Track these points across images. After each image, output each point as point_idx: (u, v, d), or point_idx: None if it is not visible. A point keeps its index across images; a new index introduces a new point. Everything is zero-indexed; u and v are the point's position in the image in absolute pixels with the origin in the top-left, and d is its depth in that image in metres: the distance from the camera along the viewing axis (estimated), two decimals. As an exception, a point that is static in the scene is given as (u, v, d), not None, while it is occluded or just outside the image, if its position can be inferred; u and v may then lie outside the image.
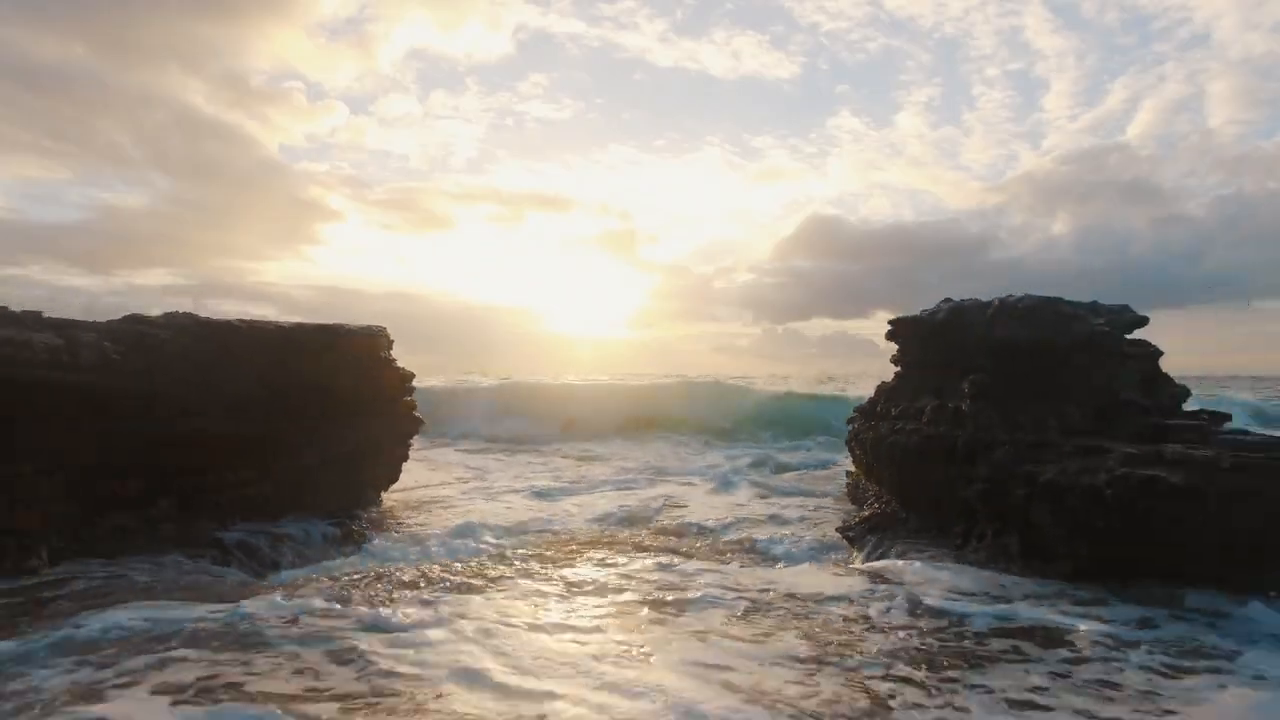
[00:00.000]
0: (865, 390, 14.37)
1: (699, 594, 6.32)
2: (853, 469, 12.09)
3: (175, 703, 3.80)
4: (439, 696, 4.08)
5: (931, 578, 6.73)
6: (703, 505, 12.29)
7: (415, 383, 11.71)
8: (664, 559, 7.83)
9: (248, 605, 5.78)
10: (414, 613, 5.65)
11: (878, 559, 7.96)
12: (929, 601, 6.06)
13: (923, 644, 5.23)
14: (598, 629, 5.38)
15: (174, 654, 4.54)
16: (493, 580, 6.83)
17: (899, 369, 10.69)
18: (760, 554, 8.42)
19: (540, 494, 12.46)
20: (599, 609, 5.90)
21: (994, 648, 5.19)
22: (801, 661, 4.84)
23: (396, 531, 9.97)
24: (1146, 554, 6.39)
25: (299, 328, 10.20)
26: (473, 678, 4.32)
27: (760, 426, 26.01)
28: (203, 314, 9.96)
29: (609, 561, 7.77)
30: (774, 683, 4.46)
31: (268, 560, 9.04)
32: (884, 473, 9.69)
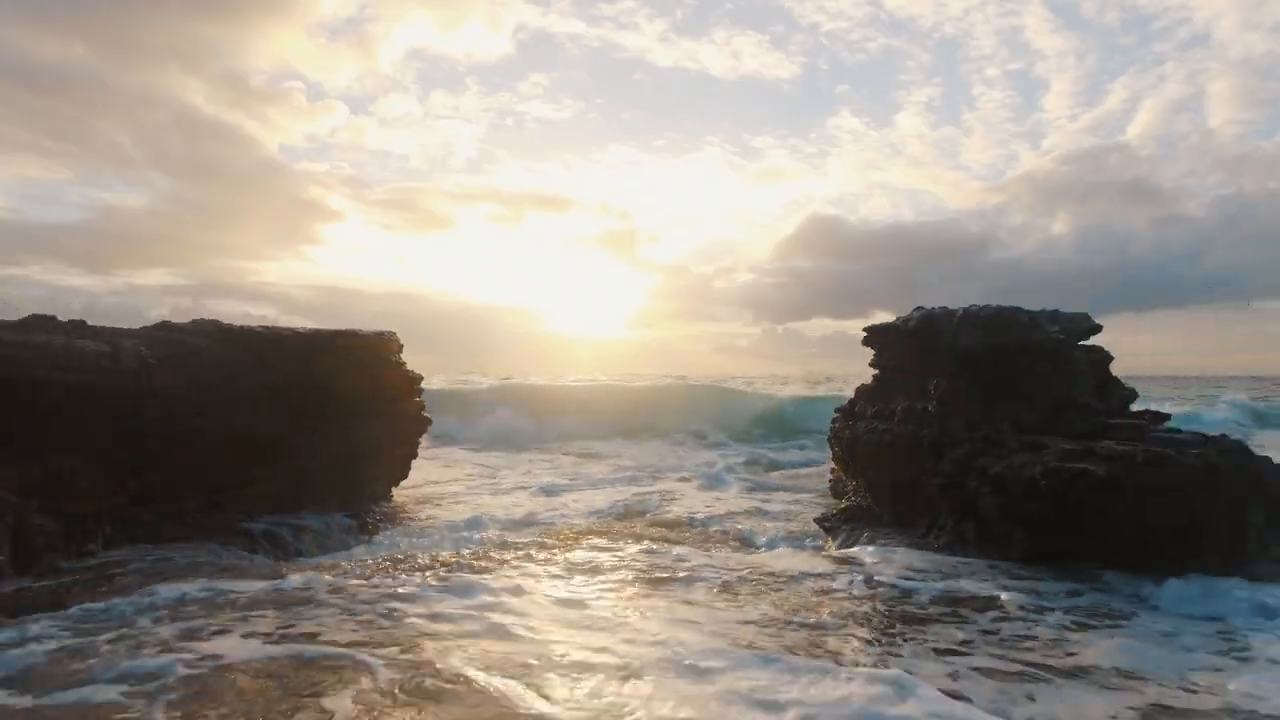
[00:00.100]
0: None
1: (685, 573, 7.43)
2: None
3: (266, 642, 4.90)
4: (475, 641, 5.19)
5: (890, 559, 7.87)
6: (694, 500, 13.39)
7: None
8: (655, 545, 8.95)
9: (292, 579, 6.88)
10: (437, 585, 6.76)
11: (849, 546, 9.09)
12: (885, 578, 7.19)
13: (874, 609, 6.37)
14: (595, 599, 6.49)
15: (248, 612, 5.64)
16: (501, 562, 7.92)
17: (876, 372, 11.82)
18: (743, 542, 9.53)
19: (542, 490, 13.56)
20: (596, 584, 7.01)
21: (933, 612, 6.33)
22: (770, 621, 5.96)
23: (408, 524, 11.05)
24: (1077, 539, 7.53)
25: (317, 333, 11.27)
26: (499, 632, 5.43)
27: (755, 427, 27.19)
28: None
29: (605, 548, 8.88)
30: (746, 634, 5.58)
31: (291, 549, 10.13)
32: (859, 468, 10.83)
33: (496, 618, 5.73)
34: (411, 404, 12.16)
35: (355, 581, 6.91)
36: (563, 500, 12.64)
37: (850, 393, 12.50)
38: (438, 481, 14.37)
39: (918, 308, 11.22)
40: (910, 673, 4.80)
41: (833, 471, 13.10)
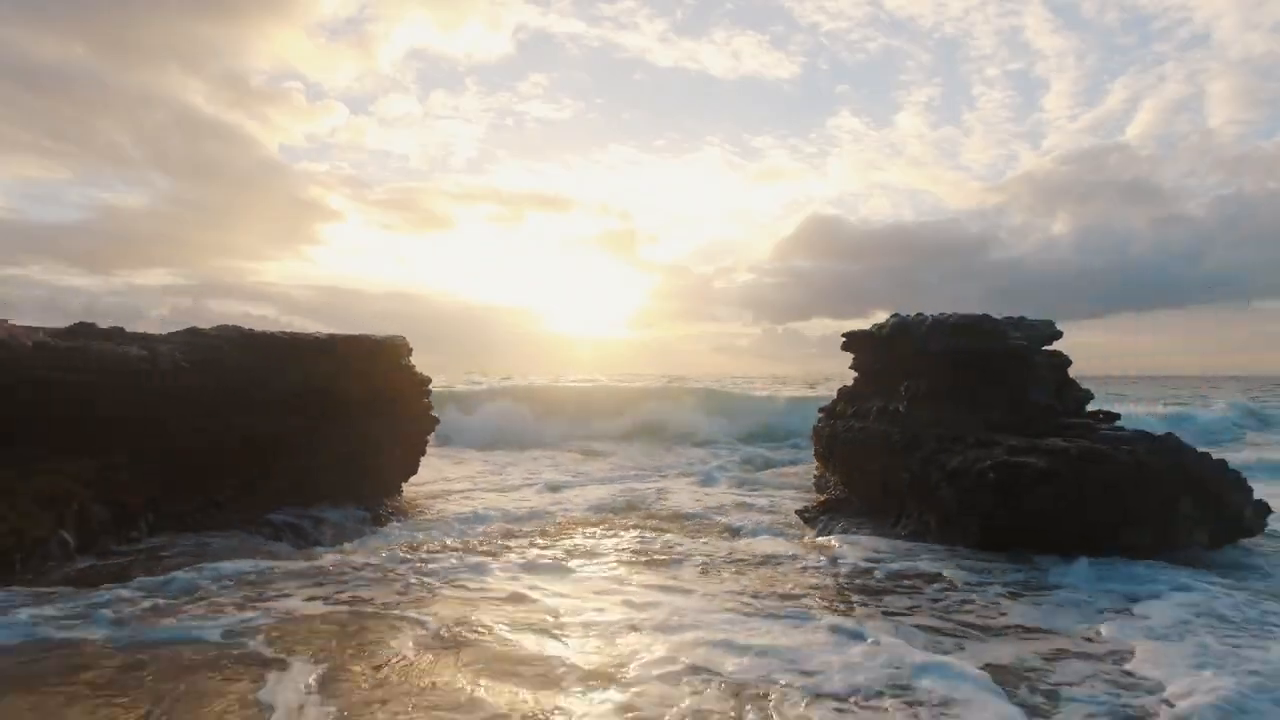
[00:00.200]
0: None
1: (674, 556, 8.66)
2: (821, 463, 14.43)
3: (326, 603, 6.11)
4: (498, 605, 6.40)
5: (857, 544, 9.12)
6: (687, 496, 14.58)
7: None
8: (647, 534, 10.18)
9: (327, 559, 8.09)
10: (456, 564, 7.96)
11: (825, 535, 10.32)
12: (849, 560, 8.43)
13: (836, 583, 7.61)
14: (596, 575, 7.71)
15: (300, 582, 6.84)
16: (507, 548, 9.11)
17: (856, 374, 13.06)
18: (729, 531, 10.74)
19: (543, 487, 14.75)
20: (596, 564, 8.23)
21: (888, 585, 7.57)
22: (746, 591, 7.19)
23: (418, 517, 12.23)
24: (1023, 526, 8.76)
25: (331, 338, 12.44)
26: (517, 598, 6.67)
27: (751, 427, 28.37)
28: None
29: (603, 535, 10.10)
30: (726, 601, 6.81)
31: (311, 538, 11.28)
32: (837, 464, 12.07)
33: (513, 587, 6.95)
34: (420, 404, 13.34)
35: (380, 559, 8.12)
36: (563, 495, 13.83)
37: (845, 393, 13.68)
38: (444, 479, 15.56)
39: (894, 314, 12.46)
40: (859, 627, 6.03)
41: (816, 468, 14.33)
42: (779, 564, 8.41)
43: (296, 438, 11.92)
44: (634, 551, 8.83)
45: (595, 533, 10.38)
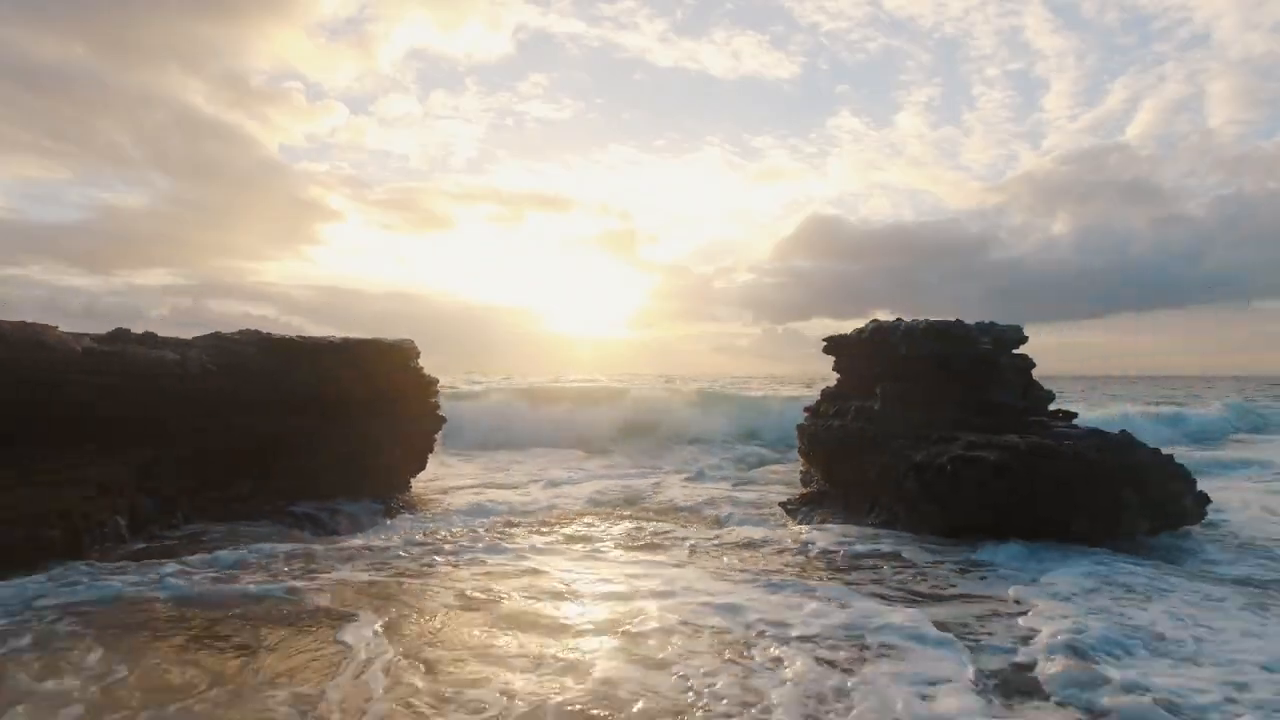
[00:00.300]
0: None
1: (665, 540, 10.02)
2: (807, 460, 15.79)
3: (370, 574, 7.43)
4: (515, 578, 7.76)
5: (830, 531, 10.52)
6: (680, 491, 15.93)
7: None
8: (642, 523, 11.54)
9: (354, 542, 9.41)
10: (469, 545, 9.30)
11: (804, 524, 11.69)
12: (821, 544, 9.83)
13: (806, 561, 8.99)
14: (596, 555, 9.07)
15: (337, 559, 8.17)
16: (512, 536, 10.46)
17: (838, 376, 14.43)
18: (716, 521, 12.12)
19: (543, 483, 16.09)
20: (593, 546, 9.59)
21: (853, 562, 8.96)
22: (728, 567, 8.56)
23: (428, 510, 13.54)
24: (980, 515, 10.15)
25: (345, 341, 13.75)
26: (530, 572, 8.05)
27: (746, 427, 29.70)
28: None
29: (597, 525, 11.45)
30: (709, 575, 8.17)
31: (329, 527, 12.59)
32: (819, 460, 13.45)
33: (525, 564, 8.33)
34: (428, 404, 14.66)
35: (400, 541, 9.45)
36: (562, 491, 15.16)
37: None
38: (448, 477, 16.88)
39: (872, 320, 13.84)
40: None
41: (801, 465, 15.70)
42: (758, 547, 9.79)
43: (313, 435, 13.21)
44: (630, 537, 10.20)
45: (594, 522, 11.73)
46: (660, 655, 5.85)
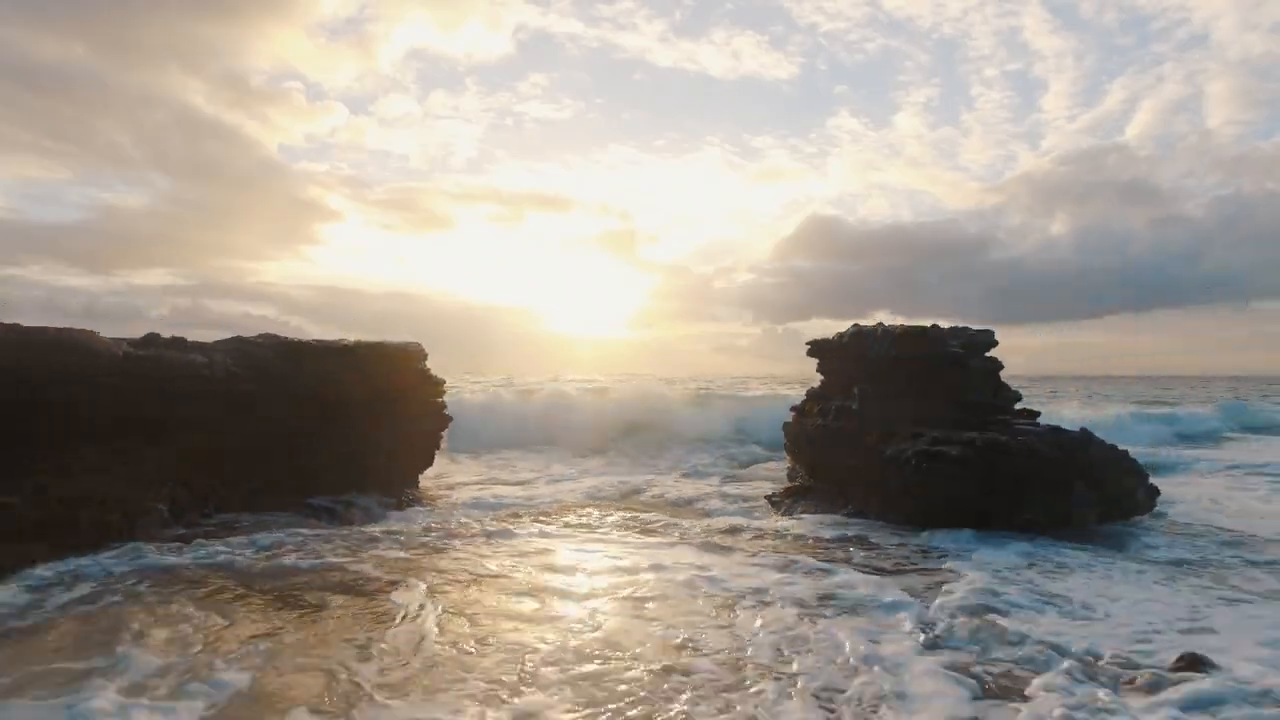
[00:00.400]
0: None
1: (657, 528, 11.53)
2: (793, 457, 17.31)
3: (402, 551, 8.90)
4: (529, 556, 9.25)
5: (808, 519, 12.04)
6: (675, 487, 17.45)
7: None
8: (637, 514, 13.04)
9: (374, 529, 10.86)
10: (480, 530, 10.77)
11: (784, 515, 13.22)
12: (799, 530, 11.37)
13: (784, 543, 10.54)
14: (596, 540, 10.56)
15: (368, 540, 9.64)
16: (519, 524, 11.92)
17: (822, 377, 15.95)
18: (704, 512, 13.64)
19: (542, 480, 17.59)
20: (593, 532, 11.08)
21: (827, 545, 10.50)
22: (713, 546, 10.09)
23: (435, 503, 15.01)
24: (940, 503, 11.68)
25: (358, 344, 15.18)
26: (542, 550, 9.54)
27: (743, 426, 31.14)
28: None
29: (596, 515, 12.95)
30: (696, 553, 9.68)
31: (344, 519, 14.03)
32: (802, 456, 14.98)
33: (536, 545, 9.84)
34: (435, 404, 16.10)
35: (420, 531, 10.91)
36: (562, 486, 16.66)
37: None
38: (451, 474, 18.35)
39: (853, 325, 15.37)
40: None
41: (788, 462, 17.22)
42: (741, 533, 11.32)
43: (328, 433, 14.64)
44: (626, 525, 11.73)
45: (593, 513, 13.23)
46: (657, 613, 7.36)
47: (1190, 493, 16.50)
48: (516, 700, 5.42)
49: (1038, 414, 14.01)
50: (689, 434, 28.49)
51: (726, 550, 10.04)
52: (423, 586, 7.73)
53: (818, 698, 5.61)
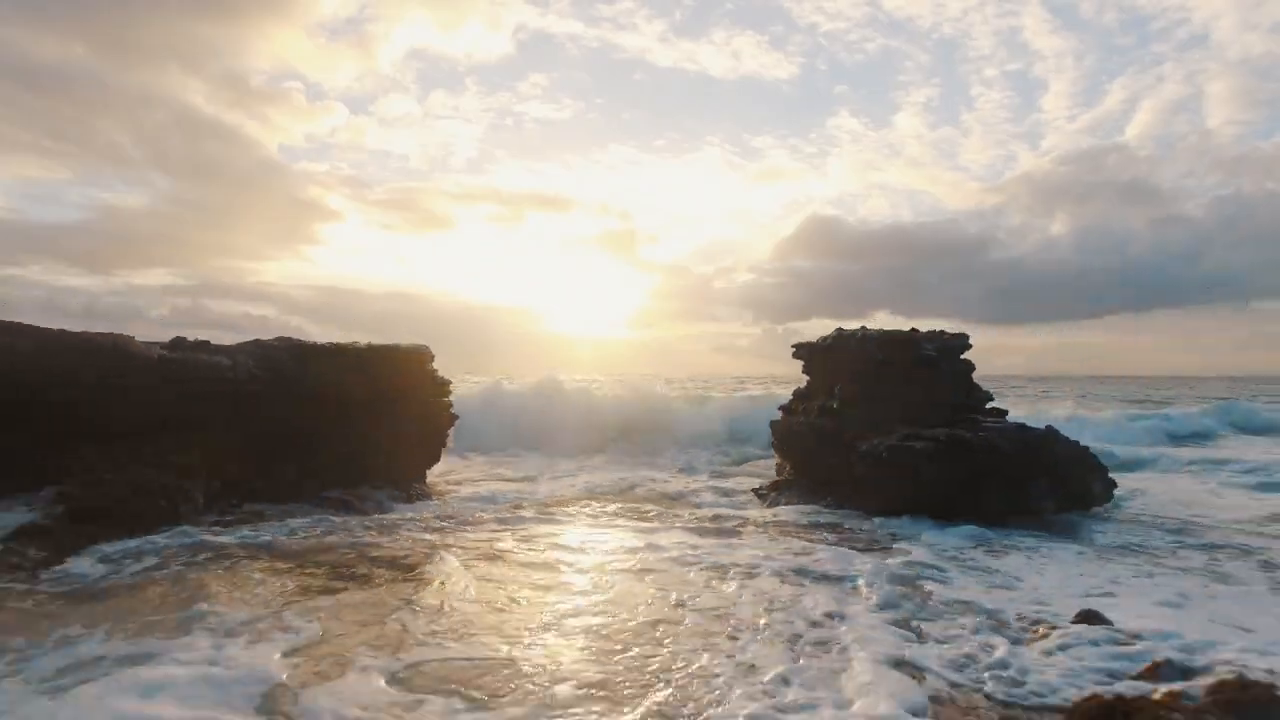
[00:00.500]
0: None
1: (651, 517, 13.12)
2: (781, 454, 18.93)
3: (425, 532, 10.46)
4: (538, 537, 10.84)
5: (788, 508, 13.66)
6: (669, 482, 19.06)
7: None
8: (631, 505, 14.64)
9: (391, 518, 12.41)
10: (490, 517, 12.34)
11: (771, 507, 14.83)
12: (779, 517, 13.01)
13: (765, 528, 12.15)
14: (597, 526, 12.15)
15: (391, 526, 11.20)
16: (521, 515, 13.48)
17: (807, 378, 17.57)
18: (697, 505, 15.25)
19: (543, 477, 19.17)
20: (595, 520, 12.66)
21: (803, 529, 12.12)
22: (702, 530, 11.68)
23: (443, 497, 16.57)
24: (908, 494, 13.30)
25: (369, 347, 16.71)
26: (550, 534, 11.09)
27: (740, 426, 32.68)
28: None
29: (594, 506, 14.54)
30: (687, 535, 11.28)
31: (359, 510, 15.53)
32: (788, 452, 16.60)
33: (541, 529, 11.40)
34: (441, 403, 17.63)
35: (435, 520, 12.47)
36: (562, 482, 18.24)
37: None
38: (456, 471, 19.92)
39: (837, 329, 16.99)
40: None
41: (776, 459, 18.85)
42: (726, 520, 12.96)
43: (340, 431, 16.17)
44: (622, 515, 13.32)
45: (593, 505, 14.84)
46: (654, 581, 8.97)
47: (1157, 487, 18.24)
48: (539, 641, 7.00)
49: (1005, 413, 15.69)
50: (685, 433, 30.06)
51: (716, 534, 11.65)
52: (453, 559, 9.33)
53: (786, 640, 7.21)
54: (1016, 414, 16.78)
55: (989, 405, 16.20)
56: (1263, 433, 35.51)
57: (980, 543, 11.33)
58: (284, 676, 6.12)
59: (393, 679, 6.20)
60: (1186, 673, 5.99)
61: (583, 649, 6.86)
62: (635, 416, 30.60)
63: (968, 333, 16.78)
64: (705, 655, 6.77)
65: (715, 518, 13.08)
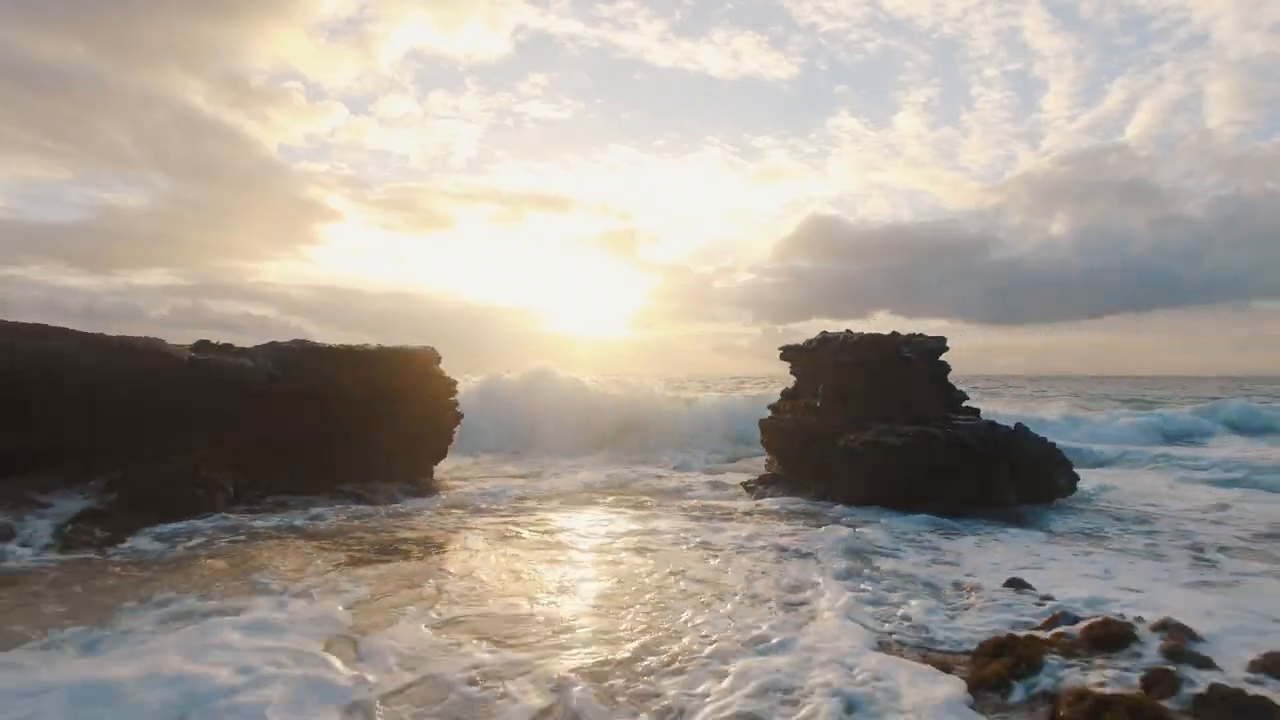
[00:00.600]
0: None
1: (647, 507, 14.85)
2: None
3: (445, 520, 12.17)
4: (545, 522, 12.57)
5: (771, 499, 15.42)
6: (664, 478, 20.80)
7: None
8: (628, 497, 16.37)
9: (406, 508, 14.12)
10: (499, 507, 14.05)
11: (758, 499, 16.58)
12: (762, 506, 14.75)
13: (749, 515, 13.91)
14: (598, 515, 13.88)
15: (409, 513, 12.91)
16: (528, 505, 15.20)
17: (795, 378, 19.32)
18: (687, 496, 17.00)
19: (543, 474, 20.89)
20: (596, 510, 14.39)
21: (784, 517, 13.87)
22: (693, 517, 13.44)
23: (450, 491, 18.27)
24: (883, 486, 15.04)
25: (380, 349, 18.41)
26: (554, 521, 12.80)
27: (737, 425, 34.38)
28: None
29: (595, 500, 16.26)
30: (680, 521, 13.03)
31: (371, 502, 17.23)
32: (775, 448, 18.36)
33: (547, 516, 13.13)
34: (448, 402, 19.32)
35: (440, 505, 14.18)
36: (561, 478, 19.97)
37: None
38: (459, 468, 21.63)
39: (822, 332, 18.75)
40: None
41: (766, 456, 20.60)
42: (716, 510, 14.70)
43: (353, 428, 17.85)
44: (618, 506, 15.06)
45: (591, 497, 16.57)
46: (654, 557, 10.73)
47: (1127, 482, 20.08)
48: (554, 600, 8.73)
49: (978, 412, 17.47)
50: (681, 432, 31.79)
51: (707, 520, 13.40)
52: (478, 538, 11.05)
53: (764, 601, 8.94)
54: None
55: (964, 404, 18.00)
56: (1260, 433, 37.04)
57: (937, 528, 13.12)
58: (349, 623, 7.82)
59: (434, 627, 7.91)
60: (1076, 621, 7.74)
61: (592, 606, 8.59)
62: (633, 416, 32.31)
63: (945, 336, 18.54)
64: (695, 611, 8.50)
65: (706, 508, 14.84)
